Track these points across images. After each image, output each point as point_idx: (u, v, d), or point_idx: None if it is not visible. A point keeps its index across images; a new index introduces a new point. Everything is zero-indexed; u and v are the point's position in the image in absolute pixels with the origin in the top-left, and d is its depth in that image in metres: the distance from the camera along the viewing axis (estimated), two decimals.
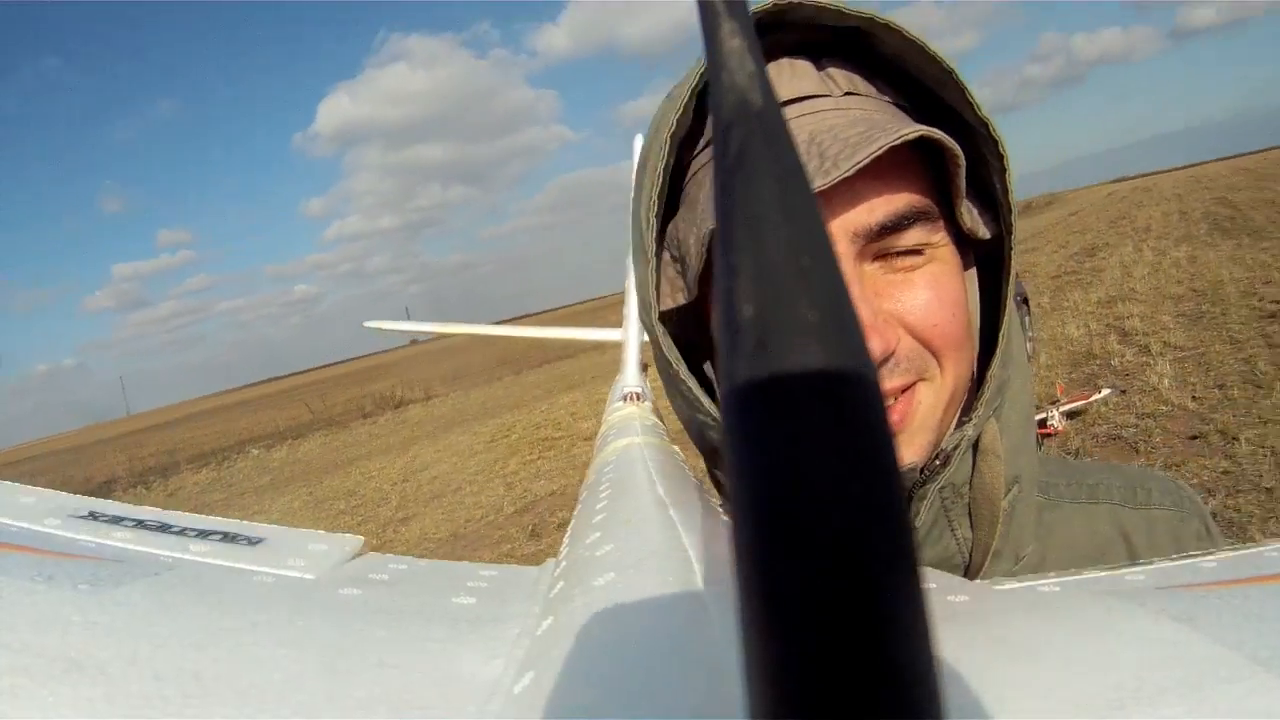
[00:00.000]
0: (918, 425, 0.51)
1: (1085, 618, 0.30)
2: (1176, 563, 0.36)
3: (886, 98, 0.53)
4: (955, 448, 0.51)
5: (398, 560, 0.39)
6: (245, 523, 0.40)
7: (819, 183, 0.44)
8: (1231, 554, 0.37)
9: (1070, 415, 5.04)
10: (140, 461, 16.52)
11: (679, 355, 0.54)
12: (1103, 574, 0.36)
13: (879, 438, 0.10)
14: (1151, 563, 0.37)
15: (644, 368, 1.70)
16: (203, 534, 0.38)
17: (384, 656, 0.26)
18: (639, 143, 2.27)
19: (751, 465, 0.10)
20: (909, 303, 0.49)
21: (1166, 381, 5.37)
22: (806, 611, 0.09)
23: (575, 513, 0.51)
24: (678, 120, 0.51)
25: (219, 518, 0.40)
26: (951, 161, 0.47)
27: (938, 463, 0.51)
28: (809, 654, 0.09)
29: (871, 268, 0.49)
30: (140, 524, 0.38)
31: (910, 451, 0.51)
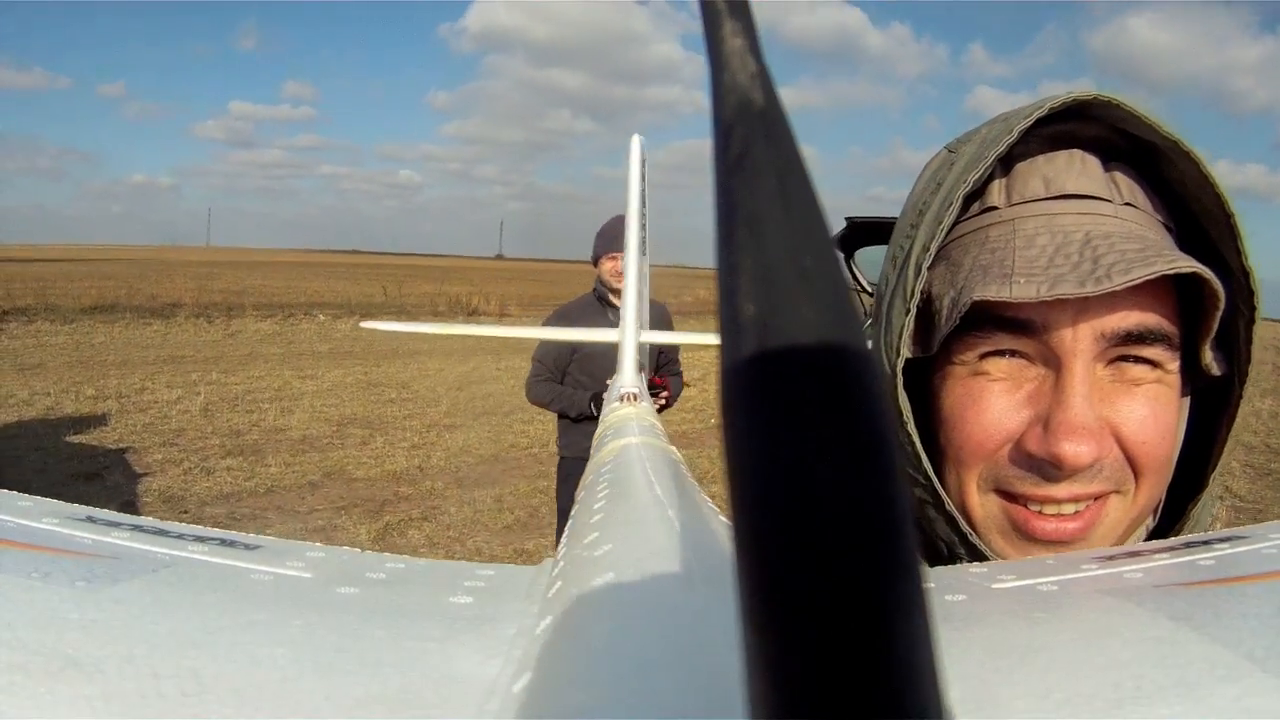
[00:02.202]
0: (1099, 536, 0.51)
1: (1083, 617, 0.30)
2: (1174, 561, 0.37)
3: (1159, 217, 0.54)
4: None
5: (395, 559, 0.39)
6: (242, 534, 0.40)
7: (1089, 288, 0.46)
8: (1229, 551, 0.37)
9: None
10: (208, 294, 16.18)
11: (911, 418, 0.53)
12: (1101, 572, 0.36)
13: (880, 438, 0.10)
14: (1149, 561, 0.37)
15: (640, 369, 1.68)
16: (200, 539, 0.38)
17: (382, 656, 0.26)
18: (637, 144, 2.27)
19: (752, 466, 0.10)
20: (1127, 414, 0.50)
21: (1219, 526, 5.41)
22: (807, 612, 0.09)
23: (573, 512, 0.51)
24: (974, 180, 0.52)
25: (218, 529, 0.41)
26: (1210, 300, 0.48)
27: None
28: (810, 654, 0.09)
29: (1103, 372, 0.50)
30: (137, 528, 0.38)
31: None
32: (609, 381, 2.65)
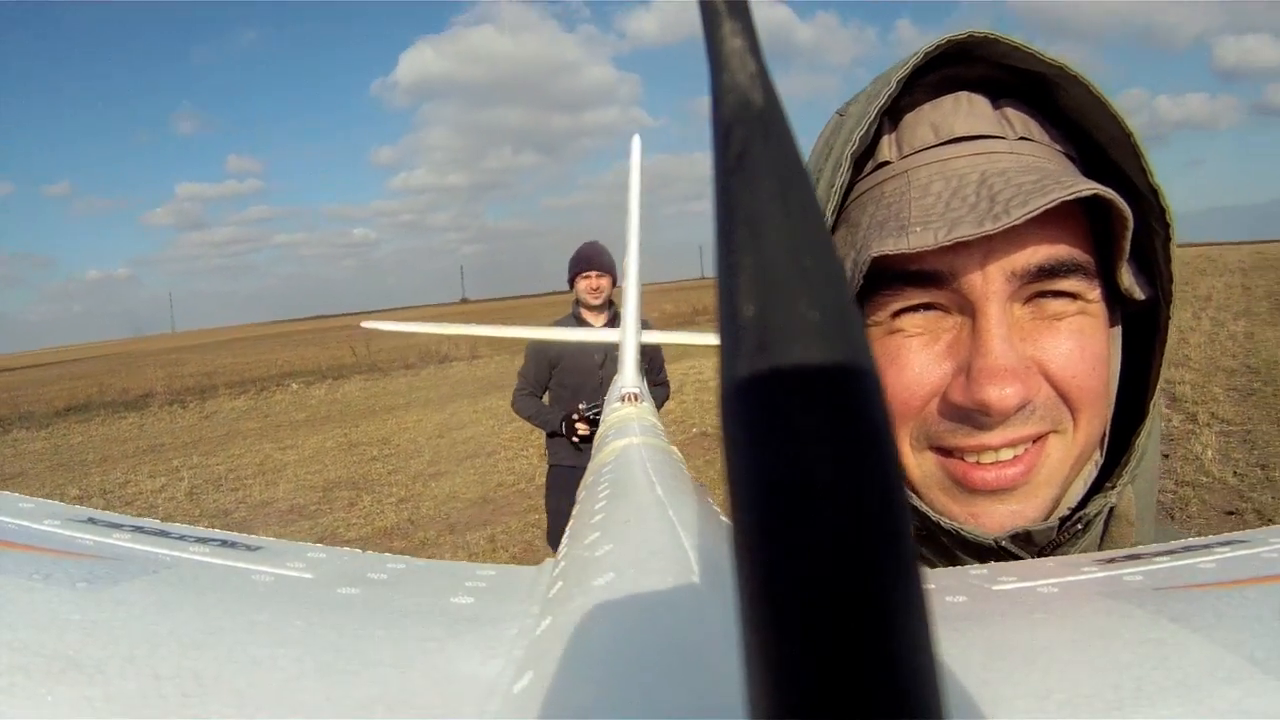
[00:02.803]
0: (1043, 479, 0.50)
1: (1084, 619, 0.30)
2: (1174, 564, 0.37)
3: (1059, 147, 0.53)
4: (1098, 514, 0.51)
5: (396, 560, 0.39)
6: (243, 535, 0.40)
7: (988, 226, 0.44)
8: (1230, 554, 0.37)
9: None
10: (179, 380, 16.48)
11: None
12: (1101, 575, 0.36)
13: (880, 439, 0.10)
14: (1150, 564, 0.37)
15: (642, 369, 1.71)
16: (201, 540, 0.38)
17: (382, 656, 0.26)
18: (637, 144, 2.30)
19: (752, 466, 0.10)
20: (1052, 350, 0.48)
21: (1210, 453, 5.45)
22: (807, 612, 0.09)
23: (574, 513, 0.51)
24: (860, 138, 0.51)
25: (218, 530, 0.40)
26: (1119, 222, 0.47)
27: (1078, 527, 0.51)
28: (810, 655, 0.09)
29: (1021, 311, 0.49)
30: (138, 530, 0.38)
31: (1032, 506, 0.50)
32: (580, 405, 2.87)
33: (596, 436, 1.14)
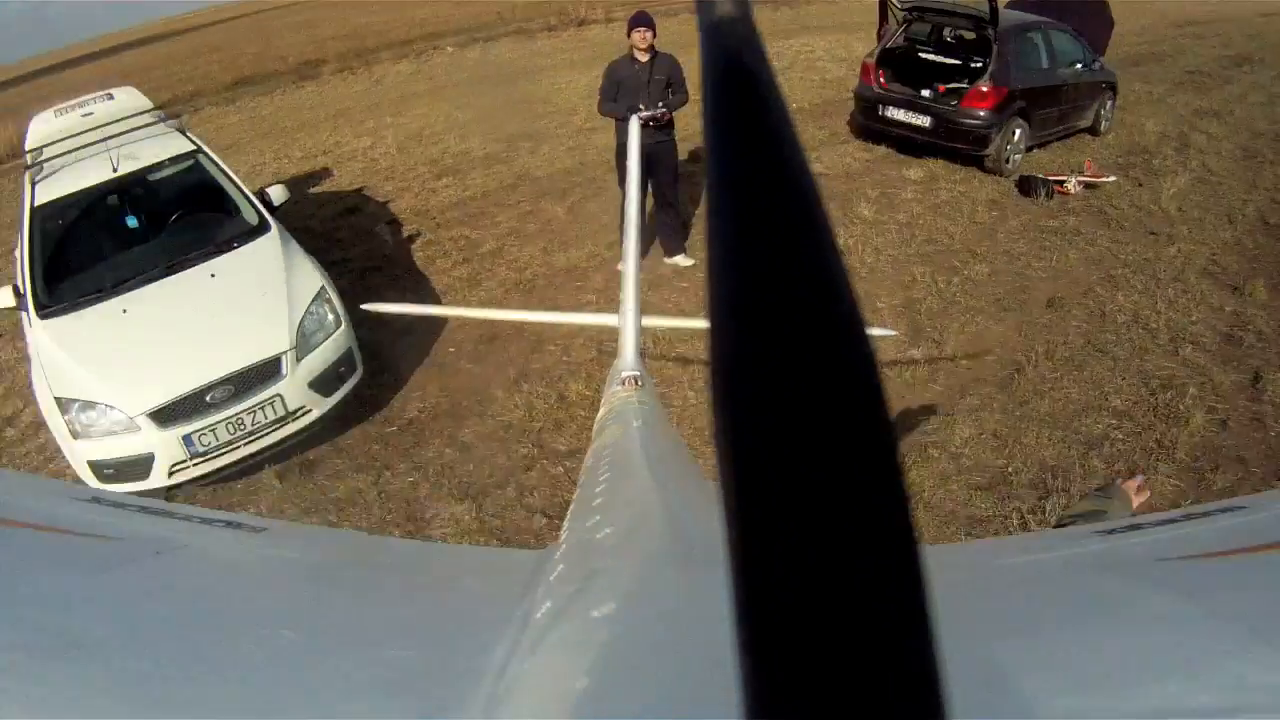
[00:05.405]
0: None
1: (1086, 592, 0.30)
2: (1174, 533, 0.36)
3: None
4: None
5: (400, 543, 0.40)
6: (247, 515, 0.41)
7: None
8: (1230, 521, 0.35)
9: (1086, 186, 6.03)
10: (327, 45, 16.26)
11: None
12: (1103, 547, 0.35)
13: (875, 417, 0.09)
14: (1150, 534, 0.36)
15: (642, 353, 1.49)
16: (206, 520, 0.37)
17: (385, 637, 0.26)
18: (635, 124, 2.17)
19: (743, 446, 0.09)
20: None
21: (1172, 191, 6.00)
22: (795, 595, 0.08)
23: (575, 495, 0.51)
24: None
25: (222, 511, 0.40)
26: None
27: None
28: (801, 634, 0.08)
29: None
30: (143, 510, 0.37)
31: None
32: (640, 105, 4.39)
33: (597, 419, 1.10)
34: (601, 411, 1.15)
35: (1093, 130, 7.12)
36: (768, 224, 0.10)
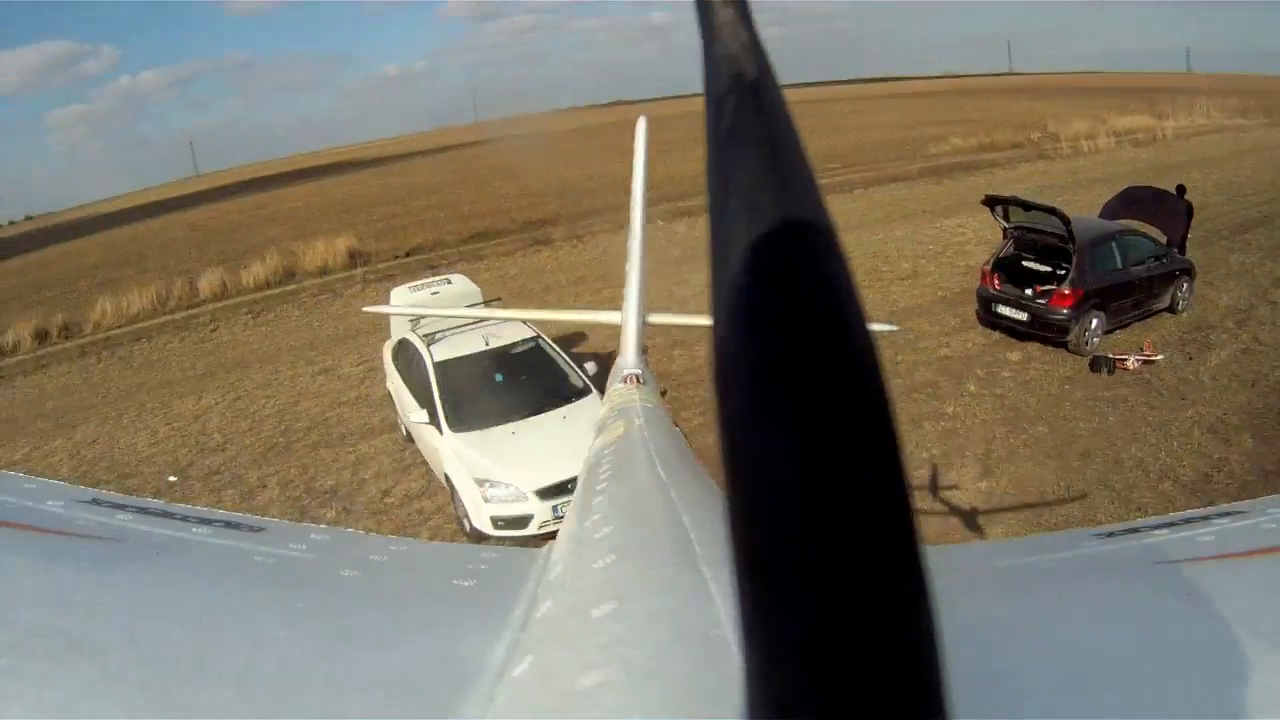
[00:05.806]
0: None
1: (1085, 595, 0.30)
2: (1173, 537, 0.36)
3: None
4: None
5: (398, 542, 0.37)
6: (246, 515, 0.39)
7: None
8: (1228, 525, 0.34)
9: (1144, 362, 7.40)
10: (531, 207, 16.27)
11: None
12: (1102, 549, 0.35)
13: (879, 419, 0.09)
14: (1149, 536, 0.36)
15: (644, 350, 1.66)
16: (204, 521, 0.36)
17: (384, 638, 0.27)
18: (643, 124, 2.05)
19: (746, 445, 0.09)
20: None
21: (1214, 364, 7.22)
22: (798, 593, 0.08)
23: (576, 492, 0.50)
24: None
25: (221, 511, 0.38)
26: None
27: None
28: (804, 631, 0.08)
29: None
30: (143, 511, 0.36)
31: None
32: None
33: (599, 417, 1.10)
34: (603, 409, 1.15)
35: (1171, 309, 8.51)
36: (768, 224, 0.10)
